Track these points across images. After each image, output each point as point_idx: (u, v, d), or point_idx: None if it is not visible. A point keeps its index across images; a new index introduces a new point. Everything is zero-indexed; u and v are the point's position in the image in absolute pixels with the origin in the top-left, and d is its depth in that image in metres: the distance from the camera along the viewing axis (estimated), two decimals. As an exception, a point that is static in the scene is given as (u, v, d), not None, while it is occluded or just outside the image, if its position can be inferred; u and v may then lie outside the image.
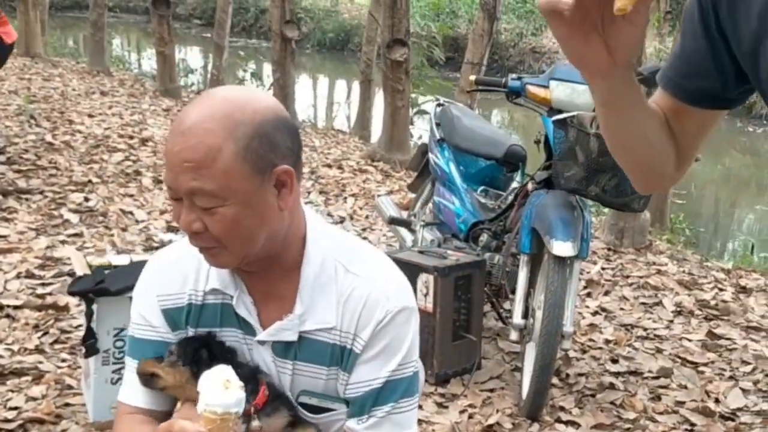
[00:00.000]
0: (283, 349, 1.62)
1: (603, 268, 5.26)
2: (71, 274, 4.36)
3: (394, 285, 1.63)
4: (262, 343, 1.62)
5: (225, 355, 1.60)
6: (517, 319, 3.49)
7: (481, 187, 4.26)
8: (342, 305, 1.60)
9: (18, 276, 4.32)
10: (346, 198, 6.44)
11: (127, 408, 1.67)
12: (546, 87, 3.63)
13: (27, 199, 5.56)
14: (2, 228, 4.98)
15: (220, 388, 1.37)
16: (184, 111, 1.50)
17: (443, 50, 12.07)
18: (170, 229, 5.25)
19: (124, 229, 5.21)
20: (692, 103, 1.30)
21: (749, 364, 4.02)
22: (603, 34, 1.09)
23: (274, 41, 9.11)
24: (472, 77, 3.97)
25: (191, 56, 20.02)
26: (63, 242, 4.87)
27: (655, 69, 3.81)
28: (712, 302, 4.85)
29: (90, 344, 3.03)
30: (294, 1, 9.10)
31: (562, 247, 3.22)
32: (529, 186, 3.70)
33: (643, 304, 4.78)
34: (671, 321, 4.55)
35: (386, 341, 1.59)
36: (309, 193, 6.44)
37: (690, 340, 4.28)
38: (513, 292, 3.69)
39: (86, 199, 5.68)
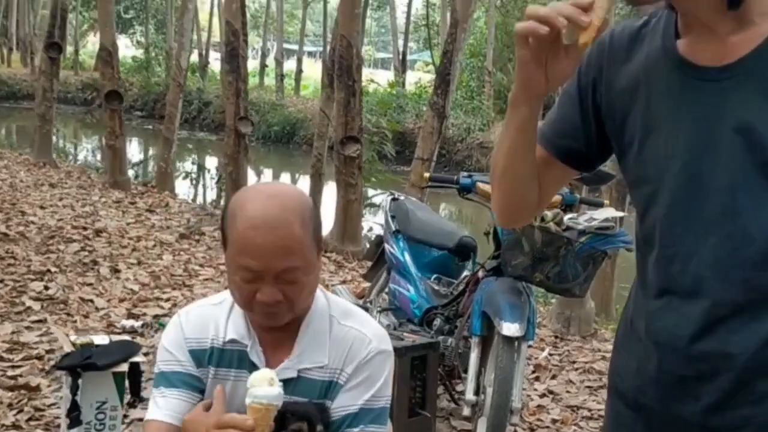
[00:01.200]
0: (285, 387, 1.89)
1: (551, 354, 5.52)
2: (39, 357, 4.56)
3: (376, 333, 1.98)
4: None
5: None
6: (470, 395, 3.73)
7: (434, 275, 4.53)
8: (333, 347, 1.93)
9: (-14, 360, 4.43)
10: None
11: (155, 423, 1.94)
12: None
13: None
14: (-35, 316, 5.09)
15: (266, 385, 1.69)
16: (254, 207, 1.80)
17: (393, 145, 12.53)
18: (130, 316, 5.41)
19: (86, 316, 5.35)
20: (560, 158, 1.60)
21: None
22: (546, 66, 1.37)
23: (227, 136, 9.41)
24: (426, 174, 4.28)
25: (132, 148, 20.26)
26: (27, 328, 5.01)
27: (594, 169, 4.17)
28: (652, 387, 5.11)
29: (74, 416, 3.25)
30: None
31: (510, 328, 3.49)
32: (480, 273, 3.98)
33: (588, 387, 5.02)
34: (614, 403, 4.79)
35: (365, 375, 1.92)
36: (266, 282, 6.63)
37: (630, 420, 4.53)
38: (465, 372, 3.95)
39: (46, 288, 5.81)
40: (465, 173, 4.14)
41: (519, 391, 3.63)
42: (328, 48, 12.04)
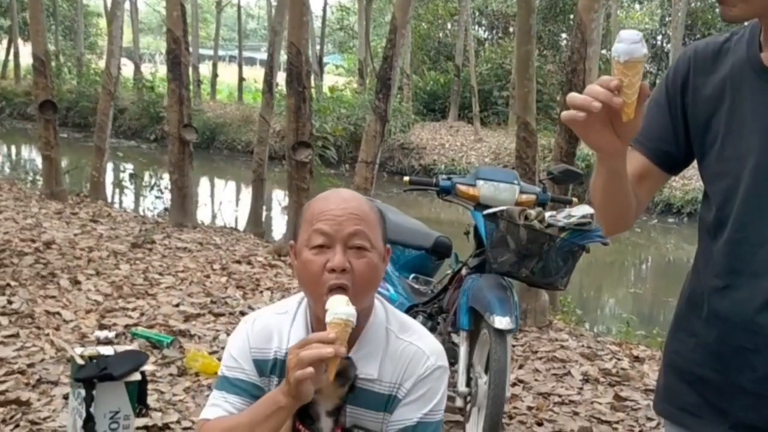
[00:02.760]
0: None
1: (513, 345, 5.77)
2: (21, 371, 4.57)
3: (433, 349, 2.06)
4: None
5: None
6: (462, 387, 3.95)
7: (412, 275, 4.75)
8: (389, 362, 2.01)
9: (-34, 377, 4.42)
10: (262, 291, 6.76)
11: (211, 420, 2.03)
12: (473, 185, 4.18)
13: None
14: (-68, 333, 5.05)
15: (343, 304, 1.81)
16: (328, 199, 1.97)
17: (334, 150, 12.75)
18: (102, 327, 5.42)
19: (57, 329, 5.34)
20: (654, 160, 1.82)
21: (653, 420, 4.58)
22: (614, 127, 1.53)
23: (171, 144, 9.43)
24: (406, 178, 4.46)
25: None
26: (1, 343, 4.97)
27: (563, 169, 4.46)
28: (613, 370, 5.45)
29: (89, 427, 3.33)
30: (189, 105, 9.43)
31: (502, 322, 3.70)
32: (463, 271, 4.21)
33: (555, 374, 5.31)
34: (581, 388, 5.09)
35: (423, 390, 2.00)
36: (226, 288, 6.75)
37: (600, 403, 4.82)
38: (452, 366, 4.16)
39: (9, 302, 5.76)
40: (444, 176, 4.36)
41: (509, 381, 3.87)
42: (268, 55, 12.03)
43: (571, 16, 22.92)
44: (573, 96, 1.50)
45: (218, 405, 2.03)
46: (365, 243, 1.92)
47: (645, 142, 1.81)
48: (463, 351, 3.98)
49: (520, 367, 5.39)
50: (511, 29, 27.59)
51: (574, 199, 4.63)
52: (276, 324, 2.07)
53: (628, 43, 1.47)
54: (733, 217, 1.66)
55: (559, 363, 5.53)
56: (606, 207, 1.80)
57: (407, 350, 2.02)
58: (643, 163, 1.82)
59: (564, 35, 26.47)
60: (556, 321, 6.65)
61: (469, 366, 4.01)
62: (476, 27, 29.80)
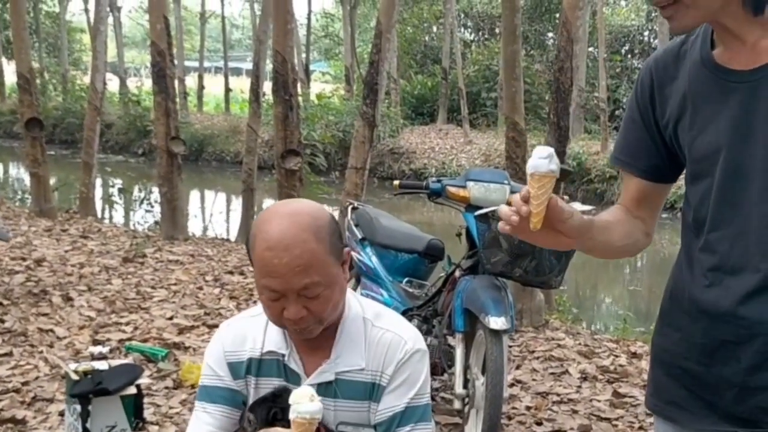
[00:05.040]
0: (324, 390, 2.03)
1: (510, 346, 5.76)
2: (16, 390, 4.55)
3: (410, 333, 2.10)
4: None
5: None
6: (459, 389, 3.93)
7: (405, 279, 4.73)
8: (370, 351, 2.05)
9: (-39, 396, 4.40)
10: (256, 301, 6.71)
11: None
12: (464, 187, 4.17)
13: (-62, 324, 5.60)
14: (-74, 354, 5.02)
15: (307, 401, 1.82)
16: (269, 228, 1.88)
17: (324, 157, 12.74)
18: (95, 342, 5.39)
19: (50, 346, 5.32)
20: (645, 176, 1.86)
21: (652, 415, 4.57)
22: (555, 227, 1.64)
23: (160, 157, 9.40)
24: (396, 182, 4.45)
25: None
26: (-7, 362, 4.95)
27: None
28: (611, 367, 5.44)
29: (86, 442, 3.30)
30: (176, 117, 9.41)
31: (498, 322, 3.69)
32: (457, 273, 4.20)
33: (552, 373, 5.30)
34: (579, 386, 5.08)
35: (406, 375, 2.05)
36: (219, 299, 6.72)
37: (599, 401, 4.82)
38: (449, 368, 4.15)
39: (2, 321, 5.75)
40: (434, 178, 4.36)
41: (507, 381, 3.85)
42: (254, 64, 12.03)
43: (557, 15, 23.01)
44: (501, 211, 1.63)
45: (199, 418, 2.09)
46: (317, 289, 1.89)
47: (632, 162, 1.87)
48: (459, 353, 3.98)
49: (518, 367, 5.38)
50: (497, 30, 27.63)
51: (566, 197, 4.61)
52: (250, 326, 2.10)
53: (537, 158, 1.59)
54: (710, 215, 1.69)
55: (556, 362, 5.52)
56: (600, 255, 1.89)
57: (384, 337, 2.06)
58: (638, 185, 1.87)
59: (551, 34, 26.53)
60: (552, 320, 6.65)
61: (466, 368, 4.00)
62: (462, 29, 29.81)
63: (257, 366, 2.07)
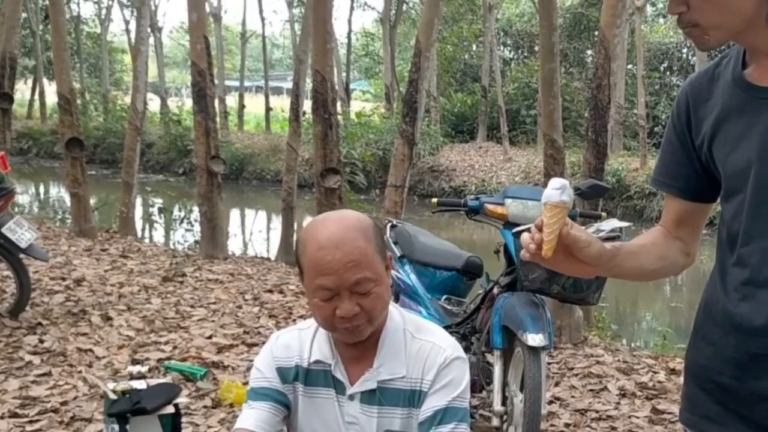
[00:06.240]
0: (368, 399, 2.09)
1: (549, 363, 5.71)
2: (54, 410, 4.58)
3: (448, 342, 2.14)
4: (352, 398, 2.11)
5: None
6: (498, 406, 3.93)
7: (444, 296, 4.73)
8: (410, 360, 2.10)
9: (2, 417, 4.45)
10: (295, 320, 6.73)
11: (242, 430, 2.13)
12: (502, 204, 4.17)
13: (-23, 346, 5.67)
14: (-35, 373, 5.08)
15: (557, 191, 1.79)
16: (319, 231, 2.00)
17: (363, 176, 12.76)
18: (134, 362, 5.40)
19: (89, 366, 5.35)
20: (686, 197, 1.89)
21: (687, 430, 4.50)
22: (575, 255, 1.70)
23: (200, 176, 9.48)
24: (435, 200, 4.47)
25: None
26: (34, 382, 4.99)
27: (591, 184, 4.43)
28: (650, 384, 5.39)
29: (124, 461, 3.31)
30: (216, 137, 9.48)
31: (536, 339, 3.69)
32: (495, 290, 4.19)
33: (591, 390, 5.26)
34: (618, 403, 5.04)
35: (447, 379, 2.07)
36: (258, 318, 6.74)
37: (638, 417, 4.77)
38: (487, 385, 4.14)
39: (41, 341, 5.79)
40: (472, 196, 4.37)
41: (545, 398, 3.82)
42: (293, 83, 12.12)
43: (596, 33, 22.91)
44: (522, 239, 1.73)
45: (245, 414, 2.15)
46: (368, 284, 1.97)
47: (671, 183, 1.91)
48: (497, 370, 3.98)
49: (556, 384, 5.34)
50: (536, 48, 27.58)
51: (603, 214, 4.59)
52: (298, 337, 2.19)
53: (550, 188, 1.69)
54: (742, 230, 1.70)
55: (595, 378, 5.48)
56: (632, 279, 1.95)
57: (424, 347, 2.11)
58: (678, 205, 1.91)
59: (589, 52, 26.44)
60: (591, 337, 6.61)
61: (505, 385, 4.00)
62: (501, 47, 29.85)
63: (305, 374, 2.15)
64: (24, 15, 23.33)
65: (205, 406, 4.68)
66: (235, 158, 23.20)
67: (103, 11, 35.45)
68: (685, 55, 27.13)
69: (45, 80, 34.05)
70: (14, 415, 4.48)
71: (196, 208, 11.19)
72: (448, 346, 2.11)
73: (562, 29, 23.91)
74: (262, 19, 31.91)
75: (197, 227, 11.16)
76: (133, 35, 24.53)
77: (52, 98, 29.19)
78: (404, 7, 29.32)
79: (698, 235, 1.96)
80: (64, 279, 7.79)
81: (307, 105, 13.24)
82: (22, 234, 6.01)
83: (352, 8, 30.02)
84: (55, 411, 4.55)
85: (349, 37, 31.42)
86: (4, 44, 11.16)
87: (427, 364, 2.08)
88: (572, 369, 5.68)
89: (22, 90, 37.41)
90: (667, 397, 5.14)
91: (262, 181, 23.41)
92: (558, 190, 1.67)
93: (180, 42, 44.85)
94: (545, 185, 5.88)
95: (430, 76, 22.58)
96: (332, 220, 2.04)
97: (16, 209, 13.91)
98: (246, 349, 5.83)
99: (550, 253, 1.66)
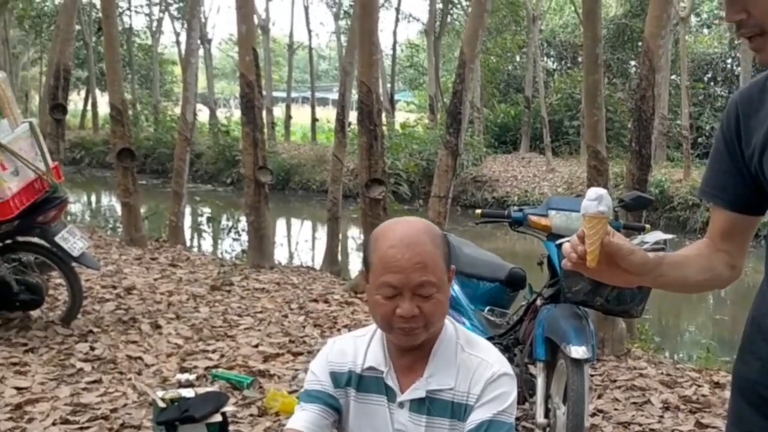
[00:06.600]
0: (417, 407, 2.14)
1: (591, 375, 5.71)
2: (104, 417, 4.67)
3: (498, 358, 2.19)
4: (401, 406, 2.16)
5: None
6: (541, 418, 3.96)
7: (487, 307, 4.77)
8: (459, 373, 2.14)
9: (54, 423, 4.53)
10: (339, 329, 6.79)
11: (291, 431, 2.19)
12: (545, 216, 4.20)
13: (33, 351, 5.81)
14: (20, 380, 5.19)
15: (594, 202, 1.77)
16: (392, 231, 2.08)
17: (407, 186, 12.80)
18: (183, 369, 5.50)
19: (138, 373, 5.44)
20: (732, 208, 1.86)
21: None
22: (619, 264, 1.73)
23: (247, 186, 9.59)
24: (478, 211, 4.51)
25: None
26: (85, 389, 5.09)
27: (634, 196, 4.45)
28: (694, 397, 5.36)
29: (172, 468, 3.39)
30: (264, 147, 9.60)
31: (579, 351, 3.72)
32: (538, 301, 4.22)
33: (634, 403, 5.24)
34: (661, 416, 5.02)
35: (494, 394, 2.11)
36: (304, 327, 6.81)
37: (681, 431, 4.76)
38: (530, 396, 4.17)
39: (92, 348, 5.90)
40: (516, 208, 4.41)
41: (588, 411, 3.83)
42: (339, 94, 12.21)
43: (639, 44, 22.77)
44: (564, 248, 1.78)
45: (296, 416, 2.22)
46: (431, 289, 2.03)
47: (719, 194, 1.88)
48: (540, 382, 4.00)
49: (599, 396, 5.34)
50: (580, 59, 27.44)
51: (647, 226, 4.60)
52: (353, 344, 2.26)
53: (587, 199, 1.71)
54: None
55: (638, 391, 5.47)
56: (675, 290, 1.98)
57: (473, 361, 2.15)
58: (725, 217, 1.88)
59: (633, 62, 26.24)
60: (634, 349, 6.59)
61: (547, 397, 4.02)
62: (545, 58, 29.76)
63: (357, 380, 2.21)
64: (78, 27, 23.77)
65: (251, 415, 4.73)
66: (282, 168, 23.37)
67: (154, 23, 36.06)
68: (729, 66, 26.82)
69: (97, 91, 34.65)
70: (66, 421, 4.57)
71: (243, 218, 11.31)
72: (496, 361, 2.15)
73: (606, 40, 23.78)
74: (309, 31, 32.16)
75: (244, 236, 11.28)
76: (183, 47, 24.89)
77: (104, 109, 29.71)
78: (448, 19, 29.38)
79: (745, 248, 1.93)
80: (114, 287, 7.94)
81: (352, 116, 13.36)
82: (74, 243, 6.14)
83: (397, 20, 30.08)
84: (105, 418, 4.63)
85: (394, 49, 31.52)
86: (59, 56, 11.35)
87: (475, 378, 2.12)
88: (615, 381, 5.66)
89: (75, 101, 38.14)
90: (711, 411, 5.11)
91: (308, 191, 23.56)
92: (594, 201, 1.68)
93: (228, 53, 45.26)
94: (588, 197, 5.83)
95: (474, 87, 22.57)
96: (406, 222, 2.13)
97: (69, 218, 14.16)
98: (291, 358, 5.89)
99: (595, 264, 1.68)
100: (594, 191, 1.70)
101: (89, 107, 35.96)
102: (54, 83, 11.32)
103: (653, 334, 7.79)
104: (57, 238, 6.08)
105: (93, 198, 24.10)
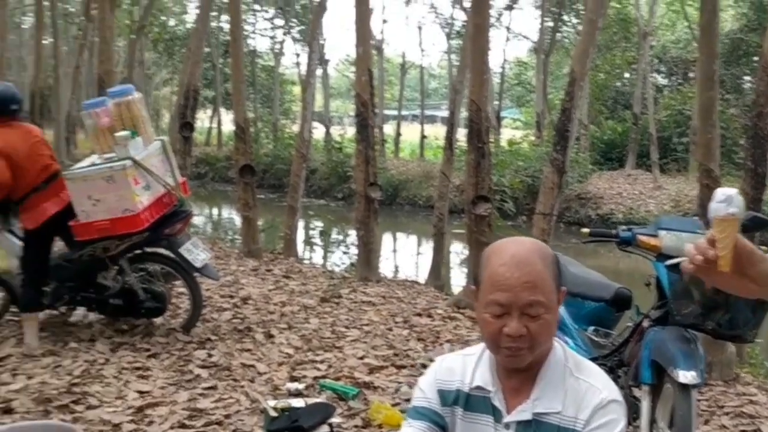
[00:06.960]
0: (523, 429, 2.14)
1: (698, 400, 5.61)
2: (218, 422, 4.82)
3: (607, 384, 2.16)
4: (507, 427, 2.17)
5: None
6: None
7: (591, 327, 4.74)
8: (567, 397, 2.12)
9: (172, 427, 4.71)
10: (442, 344, 6.84)
11: None
12: (655, 236, 4.16)
13: (155, 357, 6.05)
14: (143, 384, 5.43)
15: (723, 204, 1.73)
16: (503, 250, 2.08)
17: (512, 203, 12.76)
18: (292, 379, 5.64)
19: (251, 381, 5.59)
20: None
21: None
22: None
23: (358, 201, 9.80)
24: (585, 230, 4.50)
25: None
26: (201, 395, 5.26)
27: (750, 216, 4.35)
28: (807, 427, 5.18)
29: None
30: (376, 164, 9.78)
31: (687, 376, 3.66)
32: (645, 323, 4.18)
33: (743, 431, 5.11)
34: (772, 445, 4.90)
35: (602, 421, 2.08)
36: (408, 341, 6.90)
37: (792, 461, 4.63)
38: (634, 420, 4.12)
39: (209, 355, 6.09)
40: (624, 227, 4.37)
41: None
42: (449, 112, 12.32)
43: (755, 59, 22.13)
44: (688, 250, 1.68)
45: (402, 431, 2.25)
46: (539, 309, 2.04)
47: None
48: (645, 406, 3.96)
49: (706, 422, 5.24)
50: (691, 75, 26.91)
51: (763, 248, 4.51)
52: (462, 363, 2.27)
53: (715, 202, 1.67)
54: None
55: (747, 419, 5.33)
56: None
57: (581, 386, 2.13)
58: None
59: (748, 78, 25.54)
60: (743, 374, 6.41)
61: (652, 421, 3.96)
62: (655, 74, 29.23)
63: (465, 399, 2.22)
64: (207, 50, 24.61)
65: (355, 426, 4.78)
66: (390, 184, 23.59)
67: (277, 45, 37.01)
68: None
69: (222, 109, 35.76)
70: (182, 425, 4.74)
71: (352, 232, 11.47)
72: (605, 387, 2.12)
73: (720, 55, 23.21)
74: (421, 51, 32.48)
75: (353, 250, 11.43)
76: (303, 68, 25.41)
77: (227, 126, 30.66)
78: (558, 36, 29.19)
79: None
80: (232, 297, 8.17)
81: (460, 133, 13.45)
82: (197, 254, 6.39)
83: (507, 39, 30.07)
84: (219, 423, 4.77)
85: (503, 67, 31.55)
86: (189, 77, 11.77)
87: (583, 404, 2.09)
88: (722, 407, 5.53)
89: (201, 119, 39.39)
90: (824, 441, 4.97)
91: (415, 206, 23.70)
92: (723, 202, 1.63)
93: (344, 74, 45.96)
94: (699, 216, 5.80)
95: (582, 103, 22.33)
96: (517, 242, 2.14)
97: (192, 230, 14.61)
98: (395, 371, 5.96)
99: (727, 268, 1.62)
100: (722, 192, 1.67)
101: (214, 124, 37.19)
102: (184, 102, 11.70)
103: (764, 359, 7.58)
104: (182, 250, 6.33)
105: (215, 211, 24.81)
